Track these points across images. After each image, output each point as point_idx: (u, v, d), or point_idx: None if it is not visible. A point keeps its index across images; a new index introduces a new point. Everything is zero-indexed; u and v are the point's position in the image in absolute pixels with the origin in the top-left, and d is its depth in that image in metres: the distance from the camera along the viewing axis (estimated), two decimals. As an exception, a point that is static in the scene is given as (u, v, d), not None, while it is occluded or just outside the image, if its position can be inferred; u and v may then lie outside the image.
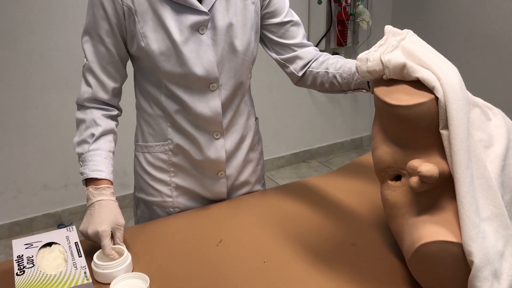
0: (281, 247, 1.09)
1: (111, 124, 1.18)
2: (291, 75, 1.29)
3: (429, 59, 0.91)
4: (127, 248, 1.04)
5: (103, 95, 1.17)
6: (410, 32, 0.99)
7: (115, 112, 1.21)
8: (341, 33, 3.37)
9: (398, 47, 0.97)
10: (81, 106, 1.18)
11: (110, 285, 0.95)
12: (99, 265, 0.98)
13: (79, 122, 1.17)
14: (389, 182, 0.98)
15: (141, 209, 1.35)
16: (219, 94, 1.19)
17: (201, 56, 1.14)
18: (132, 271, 1.01)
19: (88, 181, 1.10)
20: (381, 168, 0.98)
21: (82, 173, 1.11)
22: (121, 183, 3.00)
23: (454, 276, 0.87)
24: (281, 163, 3.62)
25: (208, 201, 1.32)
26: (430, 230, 0.87)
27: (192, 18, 1.10)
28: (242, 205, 1.29)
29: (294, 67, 1.27)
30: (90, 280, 0.83)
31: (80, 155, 1.14)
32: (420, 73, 0.90)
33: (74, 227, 1.02)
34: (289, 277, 0.99)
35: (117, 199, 1.09)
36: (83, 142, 1.14)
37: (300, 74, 1.27)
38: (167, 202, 1.29)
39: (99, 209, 1.05)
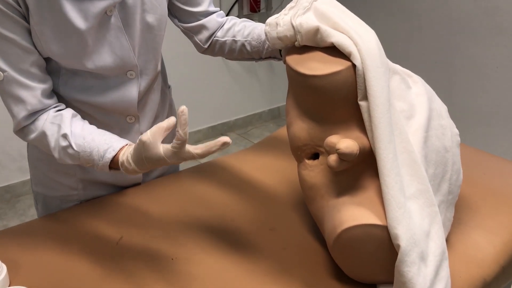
0: (192, 240, 0.97)
1: (68, 111, 0.96)
2: (197, 45, 1.16)
3: (344, 22, 0.82)
4: (0, 257, 0.87)
5: (40, 104, 0.94)
6: (323, -9, 0.89)
7: (63, 106, 0.99)
8: (254, -2, 3.25)
9: (310, 9, 0.87)
10: (25, 128, 0.95)
11: (-18, 306, 0.78)
12: (-35, 284, 0.81)
13: (41, 139, 0.94)
14: (306, 161, 0.89)
15: (42, 204, 1.17)
16: (137, 80, 1.01)
17: (111, 43, 0.95)
18: (9, 286, 0.85)
19: (112, 163, 0.89)
20: (297, 146, 0.89)
21: (101, 166, 0.90)
22: (19, 168, 2.72)
23: (379, 261, 0.80)
24: (198, 137, 3.49)
25: (121, 189, 1.16)
26: (352, 213, 0.79)
27: (100, 5, 0.89)
28: (155, 190, 1.15)
29: (200, 38, 1.13)
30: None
31: (76, 158, 0.92)
32: (335, 37, 0.81)
33: None
34: (201, 273, 0.88)
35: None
36: (65, 148, 0.92)
37: (206, 46, 1.14)
38: (71, 196, 1.12)
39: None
